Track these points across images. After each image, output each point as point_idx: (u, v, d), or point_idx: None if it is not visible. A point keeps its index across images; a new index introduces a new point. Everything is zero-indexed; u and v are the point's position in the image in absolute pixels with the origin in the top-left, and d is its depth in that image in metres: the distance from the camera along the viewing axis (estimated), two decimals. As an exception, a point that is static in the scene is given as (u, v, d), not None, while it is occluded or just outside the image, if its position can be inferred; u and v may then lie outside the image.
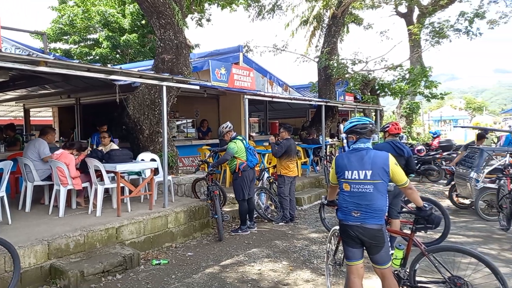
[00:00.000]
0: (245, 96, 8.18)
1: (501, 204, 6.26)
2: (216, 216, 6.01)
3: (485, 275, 3.17)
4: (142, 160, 6.63)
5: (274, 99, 9.84)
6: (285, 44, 14.44)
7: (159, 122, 7.36)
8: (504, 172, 6.21)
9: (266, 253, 5.38)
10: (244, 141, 6.50)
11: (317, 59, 13.86)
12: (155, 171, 6.35)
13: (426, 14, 18.69)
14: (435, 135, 14.07)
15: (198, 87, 7.02)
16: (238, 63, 11.37)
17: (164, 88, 6.03)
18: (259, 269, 4.77)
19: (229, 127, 6.45)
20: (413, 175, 5.60)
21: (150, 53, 19.23)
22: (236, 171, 6.26)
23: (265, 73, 13.13)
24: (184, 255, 5.37)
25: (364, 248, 3.19)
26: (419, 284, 3.43)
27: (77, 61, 7.23)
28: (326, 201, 3.76)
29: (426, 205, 3.34)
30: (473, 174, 7.62)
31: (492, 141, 18.12)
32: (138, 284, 4.37)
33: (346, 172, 3.17)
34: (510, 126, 13.65)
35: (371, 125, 3.28)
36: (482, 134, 9.52)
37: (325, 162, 10.46)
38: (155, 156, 6.91)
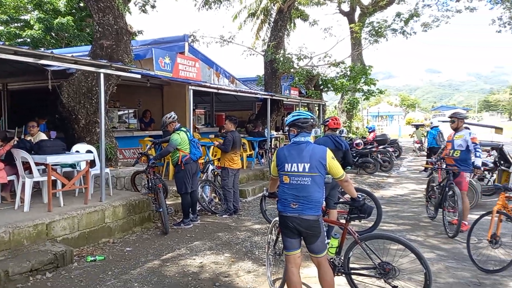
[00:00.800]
0: (190, 87, 8.01)
1: (430, 194, 6.75)
2: (161, 210, 5.85)
3: (411, 260, 3.41)
4: (77, 151, 6.24)
5: (220, 91, 9.76)
6: (232, 36, 14.34)
7: (96, 112, 6.97)
8: (437, 165, 6.62)
9: (208, 246, 5.35)
10: (188, 133, 6.37)
11: (263, 53, 13.96)
12: (91, 164, 6.01)
13: (367, 14, 19.62)
14: (370, 130, 14.88)
15: (139, 76, 6.74)
16: (184, 52, 11.10)
17: (102, 75, 5.70)
18: (201, 262, 4.73)
19: (173, 118, 6.28)
20: (349, 168, 5.86)
21: (88, 38, 18.08)
22: (179, 163, 6.12)
23: (211, 64, 12.97)
24: (122, 250, 5.16)
25: (302, 238, 3.29)
26: (352, 271, 3.62)
27: (1, 42, 6.58)
28: (267, 193, 3.83)
29: (360, 196, 3.52)
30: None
31: (422, 135, 19.61)
32: (70, 282, 4.13)
33: (286, 164, 3.25)
34: (431, 122, 14.76)
35: (312, 120, 3.37)
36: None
37: (270, 154, 10.62)
38: (92, 148, 6.54)
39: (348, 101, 22.51)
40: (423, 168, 12.59)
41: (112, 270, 4.49)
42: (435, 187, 6.49)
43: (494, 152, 9.05)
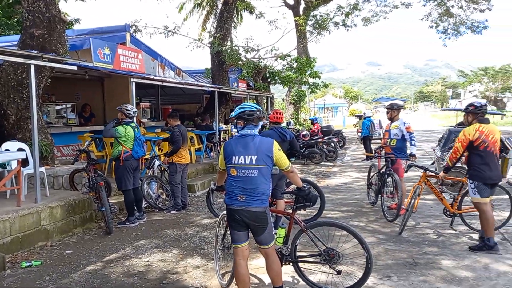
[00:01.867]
0: (132, 79, 7.68)
1: (371, 181, 7.10)
2: (103, 209, 5.58)
3: (354, 245, 3.56)
4: (7, 150, 5.74)
5: (165, 84, 9.47)
6: (177, 26, 13.98)
7: (28, 106, 6.45)
8: (377, 153, 6.95)
9: (155, 244, 5.20)
10: (136, 129, 6.13)
11: (210, 45, 13.76)
12: (24, 163, 5.57)
13: (311, 7, 20.08)
14: (314, 121, 15.33)
15: (75, 68, 6.33)
16: (125, 43, 10.60)
17: (32, 67, 5.26)
18: (147, 261, 4.59)
19: (128, 109, 6.01)
20: (293, 159, 5.97)
21: (18, 26, 16.65)
22: (119, 158, 5.86)
23: (156, 56, 12.53)
24: (61, 253, 4.86)
25: (249, 230, 3.31)
26: (299, 259, 3.71)
27: None
28: (215, 187, 3.79)
29: (305, 186, 3.60)
30: (438, 153, 8.29)
31: (354, 125, 20.59)
32: (2, 292, 3.81)
33: (233, 157, 3.23)
34: (364, 113, 15.59)
35: (258, 112, 3.37)
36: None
37: (219, 148, 10.54)
38: (24, 145, 6.05)
39: (295, 94, 22.99)
40: (365, 157, 13.25)
41: (50, 275, 4.21)
42: (375, 174, 6.84)
43: None
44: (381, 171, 6.39)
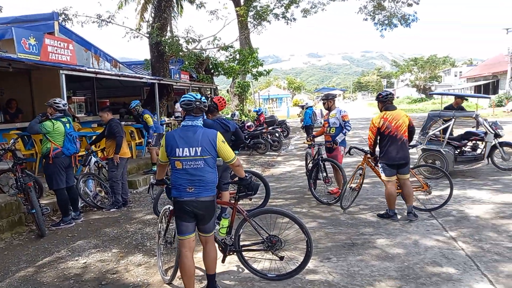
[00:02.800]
0: (62, 72, 7.16)
1: (309, 168, 7.31)
2: (33, 211, 5.17)
3: (296, 230, 3.66)
4: None
5: (100, 76, 8.96)
6: (111, 15, 13.24)
7: None
8: (310, 141, 7.14)
9: (93, 244, 4.95)
10: (68, 124, 5.72)
11: (148, 35, 13.24)
12: None
13: (252, -2, 20.06)
14: (258, 113, 15.48)
15: (-6, 59, 5.76)
16: (53, 33, 9.84)
17: None
18: (85, 262, 4.35)
19: (57, 103, 5.58)
20: (238, 151, 5.97)
21: None
22: (48, 156, 5.47)
23: (89, 47, 11.81)
24: (-15, 262, 4.45)
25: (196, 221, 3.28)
26: (243, 248, 3.74)
27: None
28: (155, 181, 3.68)
29: (247, 175, 3.62)
30: (418, 137, 8.16)
31: (298, 115, 21.21)
32: None
33: (177, 149, 3.17)
34: (307, 103, 16.10)
35: (197, 103, 3.27)
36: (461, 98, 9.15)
37: (160, 141, 10.22)
38: None
39: (240, 85, 23.00)
40: (307, 145, 13.66)
41: (-28, 287, 3.83)
42: (310, 162, 7.09)
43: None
44: (314, 158, 6.63)
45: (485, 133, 7.90)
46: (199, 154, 3.15)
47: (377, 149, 5.46)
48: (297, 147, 14.83)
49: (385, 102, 5.31)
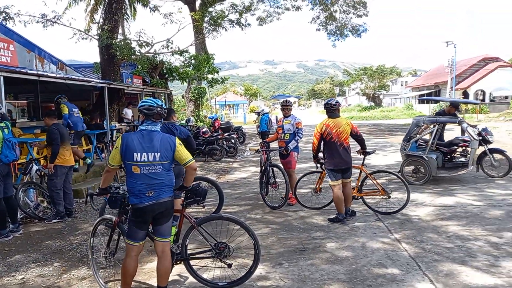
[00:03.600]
0: (0, 74, 6.66)
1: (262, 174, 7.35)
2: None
3: (249, 237, 3.63)
4: None
5: (43, 79, 8.45)
6: (57, 15, 12.57)
7: None
8: (261, 147, 7.18)
9: (33, 258, 4.61)
10: (6, 130, 5.31)
11: (98, 37, 12.72)
12: None
13: (207, 3, 20.02)
14: (213, 119, 15.39)
15: None
16: (-9, 32, 9.17)
17: None
18: (23, 278, 4.05)
19: None
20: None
21: None
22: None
23: (32, 48, 11.13)
24: None
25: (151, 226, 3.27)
26: (191, 256, 3.65)
27: None
28: (97, 191, 3.51)
29: (194, 183, 3.57)
30: (402, 143, 8.29)
31: (254, 121, 21.44)
32: None
33: (135, 154, 3.12)
34: (263, 109, 16.33)
35: (158, 109, 3.26)
36: (456, 105, 9.13)
37: (110, 148, 9.83)
38: None
39: (195, 90, 22.75)
40: (254, 151, 13.79)
41: None
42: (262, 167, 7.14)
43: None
44: (264, 164, 6.70)
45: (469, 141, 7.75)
46: (157, 159, 3.16)
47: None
48: (253, 153, 14.90)
49: (334, 110, 5.57)
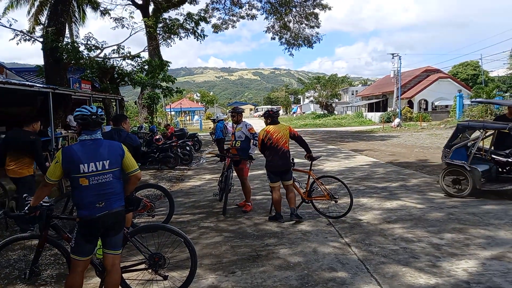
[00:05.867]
0: None
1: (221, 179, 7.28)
2: None
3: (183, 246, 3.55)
4: None
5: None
6: (-4, 15, 11.73)
7: None
8: (227, 154, 7.13)
9: (-38, 278, 4.20)
10: None
11: (42, 39, 12.04)
12: None
13: (161, 9, 19.69)
14: (167, 126, 15.08)
15: None
16: None
17: None
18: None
19: None
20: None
21: None
22: None
23: (-34, 48, 10.27)
24: None
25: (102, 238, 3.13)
26: (123, 270, 3.48)
27: None
28: (26, 210, 3.14)
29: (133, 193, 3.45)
30: (443, 150, 7.47)
31: (210, 128, 21.35)
32: None
33: (81, 166, 2.95)
34: (217, 116, 16.38)
35: (93, 117, 3.09)
36: None
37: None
38: None
39: (149, 96, 22.18)
40: (218, 158, 13.70)
41: None
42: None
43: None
44: (224, 171, 6.69)
45: None
46: (107, 167, 3.03)
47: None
48: (208, 160, 14.77)
49: (274, 117, 6.04)
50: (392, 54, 37.31)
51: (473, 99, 25.45)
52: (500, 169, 7.17)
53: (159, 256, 3.41)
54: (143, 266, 3.46)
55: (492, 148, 7.46)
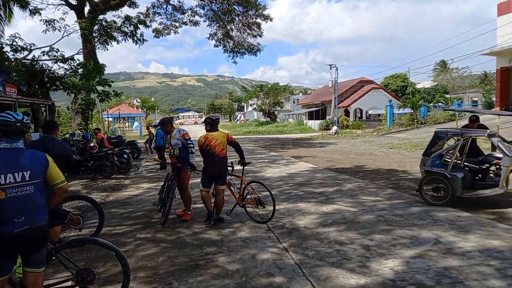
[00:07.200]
0: None
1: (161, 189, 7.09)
2: None
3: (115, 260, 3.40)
4: None
5: None
6: None
7: None
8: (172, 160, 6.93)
9: None
10: None
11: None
12: None
13: (98, 11, 18.81)
14: (96, 130, 14.40)
15: None
16: None
17: None
18: None
19: None
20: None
21: None
22: None
23: None
24: None
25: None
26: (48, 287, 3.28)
27: None
28: None
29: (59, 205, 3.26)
30: (422, 158, 7.50)
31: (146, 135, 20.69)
32: None
33: None
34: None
35: (18, 124, 2.87)
36: (477, 117, 8.03)
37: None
38: None
39: (83, 102, 20.96)
40: (158, 166, 13.32)
41: None
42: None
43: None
44: (166, 180, 6.53)
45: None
46: (27, 179, 2.81)
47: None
48: (147, 168, 14.29)
49: (214, 124, 6.14)
50: (330, 65, 39.25)
51: (445, 108, 27.61)
52: (473, 177, 7.23)
53: (87, 271, 3.23)
54: (69, 283, 3.24)
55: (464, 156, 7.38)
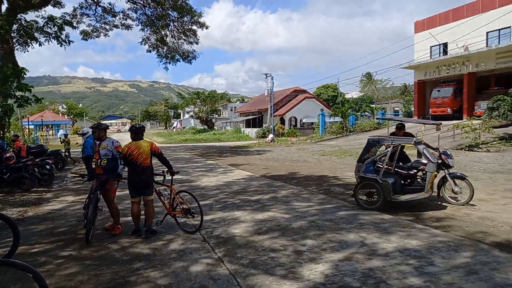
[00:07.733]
0: None
1: (87, 202, 6.61)
2: None
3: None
4: None
5: None
6: None
7: None
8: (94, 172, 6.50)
9: None
10: None
11: None
12: None
13: (18, 10, 17.27)
14: (12, 139, 13.19)
15: None
16: None
17: None
18: None
19: None
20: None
21: None
22: None
23: None
24: None
25: None
26: None
27: None
28: None
29: None
30: (356, 164, 7.81)
31: (78, 144, 19.40)
32: None
33: None
34: (87, 131, 15.07)
35: None
36: (402, 125, 8.63)
37: None
38: None
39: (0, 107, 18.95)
40: (78, 175, 12.49)
41: None
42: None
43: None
44: (93, 191, 6.12)
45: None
46: None
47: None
48: (73, 180, 13.31)
49: (138, 133, 5.99)
50: (266, 74, 40.18)
51: (380, 118, 29.84)
52: (402, 181, 7.64)
53: None
54: None
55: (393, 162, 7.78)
